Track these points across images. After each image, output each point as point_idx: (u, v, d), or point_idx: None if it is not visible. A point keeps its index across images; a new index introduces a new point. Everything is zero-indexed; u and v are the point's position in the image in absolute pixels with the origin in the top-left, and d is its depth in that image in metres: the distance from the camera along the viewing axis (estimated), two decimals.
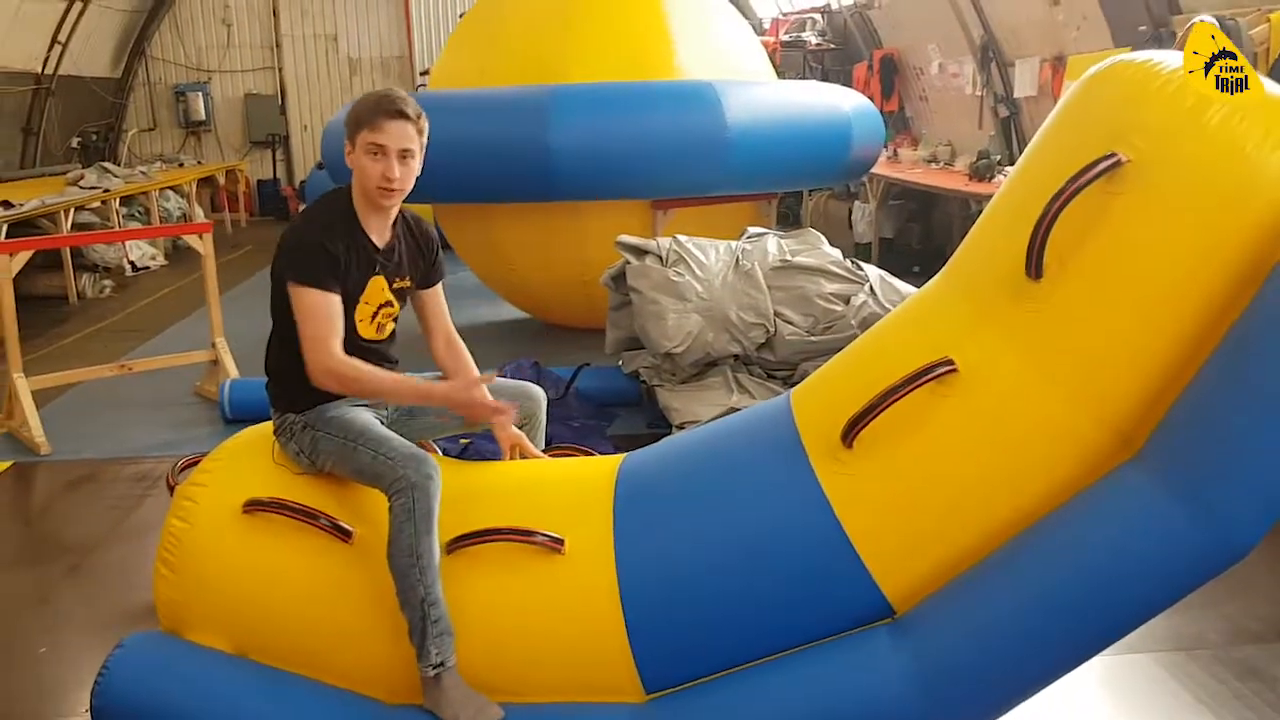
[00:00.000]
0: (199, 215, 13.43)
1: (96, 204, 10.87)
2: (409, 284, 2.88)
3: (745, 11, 14.19)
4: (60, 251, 9.96)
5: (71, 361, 7.05)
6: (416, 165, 2.73)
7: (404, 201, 2.77)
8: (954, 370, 2.38)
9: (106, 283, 10.55)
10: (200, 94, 16.20)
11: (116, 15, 14.82)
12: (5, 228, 8.69)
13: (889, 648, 2.39)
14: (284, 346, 2.73)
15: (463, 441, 3.85)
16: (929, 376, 2.38)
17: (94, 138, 14.99)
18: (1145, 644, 3.47)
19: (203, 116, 16.24)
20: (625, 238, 5.72)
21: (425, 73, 14.85)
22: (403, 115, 2.67)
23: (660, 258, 5.56)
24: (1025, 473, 2.34)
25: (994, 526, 2.36)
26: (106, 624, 3.67)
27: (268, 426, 2.86)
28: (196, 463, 2.88)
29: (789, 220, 12.24)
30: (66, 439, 5.72)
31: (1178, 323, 2.20)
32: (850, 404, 2.45)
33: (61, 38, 13.14)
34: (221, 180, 15.24)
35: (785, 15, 14.57)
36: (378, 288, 2.77)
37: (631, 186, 6.66)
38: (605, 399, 5.93)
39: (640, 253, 5.63)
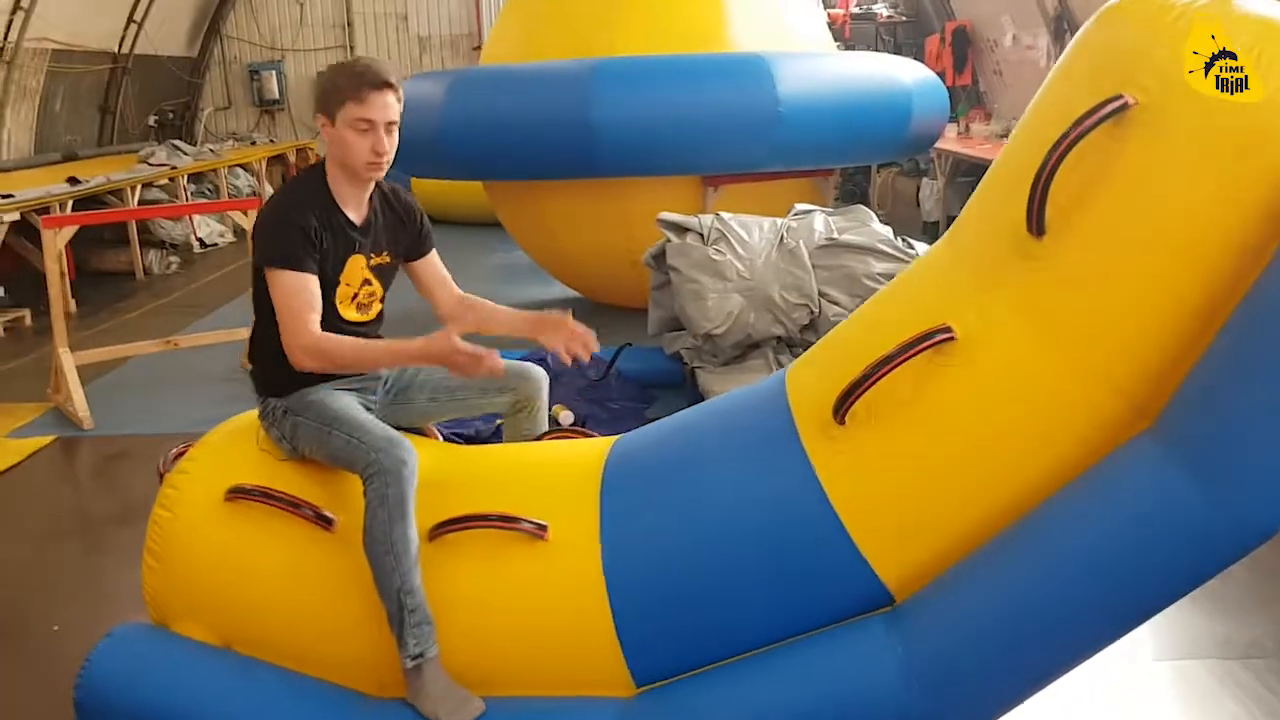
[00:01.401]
0: (269, 193, 13.58)
1: (165, 181, 11.02)
2: (388, 259, 2.77)
3: None
4: (128, 227, 10.13)
5: (130, 336, 7.15)
6: (397, 135, 2.64)
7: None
8: (952, 338, 2.20)
9: (173, 259, 10.70)
10: (274, 73, 16.34)
11: None
12: (71, 203, 8.83)
13: (882, 637, 2.24)
14: (266, 332, 2.67)
15: (498, 423, 3.76)
16: (924, 345, 2.20)
17: (170, 116, 15.23)
18: (1194, 650, 3.27)
19: (276, 95, 16.37)
20: (666, 215, 5.58)
21: (477, 48, 14.80)
22: (389, 86, 2.58)
23: (701, 235, 5.41)
24: (1031, 446, 2.16)
25: (999, 505, 2.18)
26: (123, 603, 3.66)
27: (255, 413, 2.79)
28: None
29: (855, 197, 11.96)
30: (111, 414, 5.77)
31: (1193, 281, 2.00)
32: (843, 377, 2.28)
33: (137, 17, 13.32)
34: (292, 158, 15.39)
35: None
36: (356, 267, 2.68)
37: (677, 162, 6.49)
38: (647, 380, 5.81)
39: (681, 230, 5.48)
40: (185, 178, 11.38)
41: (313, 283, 2.58)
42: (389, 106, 2.58)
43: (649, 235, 5.80)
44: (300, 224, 2.56)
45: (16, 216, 7.98)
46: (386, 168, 2.65)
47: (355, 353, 2.58)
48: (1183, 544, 1.91)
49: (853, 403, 2.26)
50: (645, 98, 6.29)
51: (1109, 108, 2.02)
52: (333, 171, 2.65)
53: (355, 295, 2.70)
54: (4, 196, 8.10)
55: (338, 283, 2.65)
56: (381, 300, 2.79)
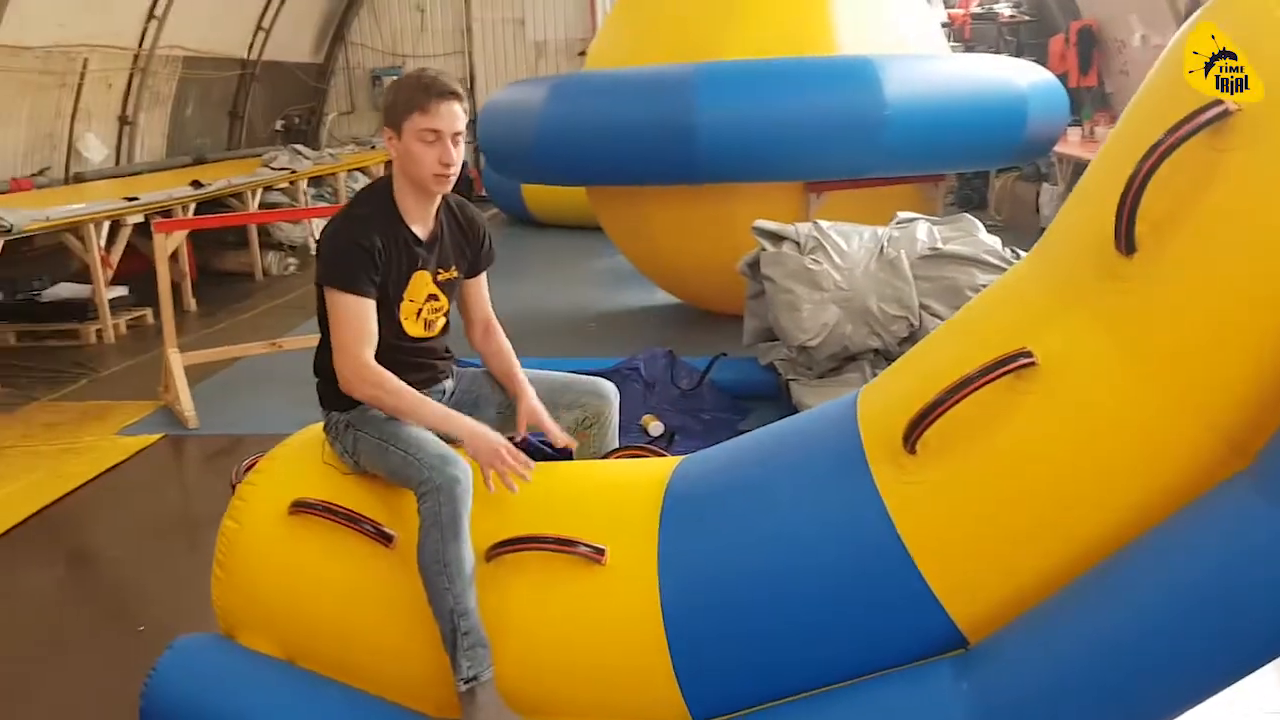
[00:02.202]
0: None
1: (284, 184, 11.32)
2: (455, 274, 2.74)
3: None
4: (248, 230, 10.44)
5: (244, 336, 7.33)
6: (464, 147, 2.61)
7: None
8: (1033, 363, 2.05)
9: (291, 261, 10.98)
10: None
11: (318, 1, 15.44)
12: (194, 206, 9.13)
13: (951, 682, 2.10)
14: (330, 347, 2.65)
15: None
16: (1002, 370, 2.06)
17: (296, 121, 15.70)
18: None
19: None
20: (762, 222, 5.46)
21: (582, 54, 14.82)
22: (455, 96, 2.55)
23: (798, 244, 5.27)
24: (1117, 482, 2.00)
25: (1082, 544, 2.03)
26: (207, 607, 3.71)
27: (321, 426, 2.79)
28: None
29: (973, 202, 11.61)
30: (217, 413, 5.90)
31: None
32: (915, 402, 2.15)
33: (265, 24, 13.77)
34: None
35: None
36: (421, 283, 2.65)
37: (780, 168, 6.36)
38: (741, 391, 5.70)
39: (777, 239, 5.36)
40: (305, 181, 11.67)
41: (369, 308, 2.55)
42: (455, 116, 2.55)
43: (750, 242, 5.68)
44: (363, 244, 2.53)
45: (140, 219, 8.28)
46: (454, 180, 2.62)
47: (402, 400, 2.54)
48: None
49: (924, 430, 2.13)
50: (748, 102, 6.18)
51: (1207, 114, 1.85)
52: (399, 186, 2.63)
53: (420, 311, 2.67)
54: (129, 199, 8.41)
55: (401, 299, 2.63)
56: (446, 314, 2.76)
